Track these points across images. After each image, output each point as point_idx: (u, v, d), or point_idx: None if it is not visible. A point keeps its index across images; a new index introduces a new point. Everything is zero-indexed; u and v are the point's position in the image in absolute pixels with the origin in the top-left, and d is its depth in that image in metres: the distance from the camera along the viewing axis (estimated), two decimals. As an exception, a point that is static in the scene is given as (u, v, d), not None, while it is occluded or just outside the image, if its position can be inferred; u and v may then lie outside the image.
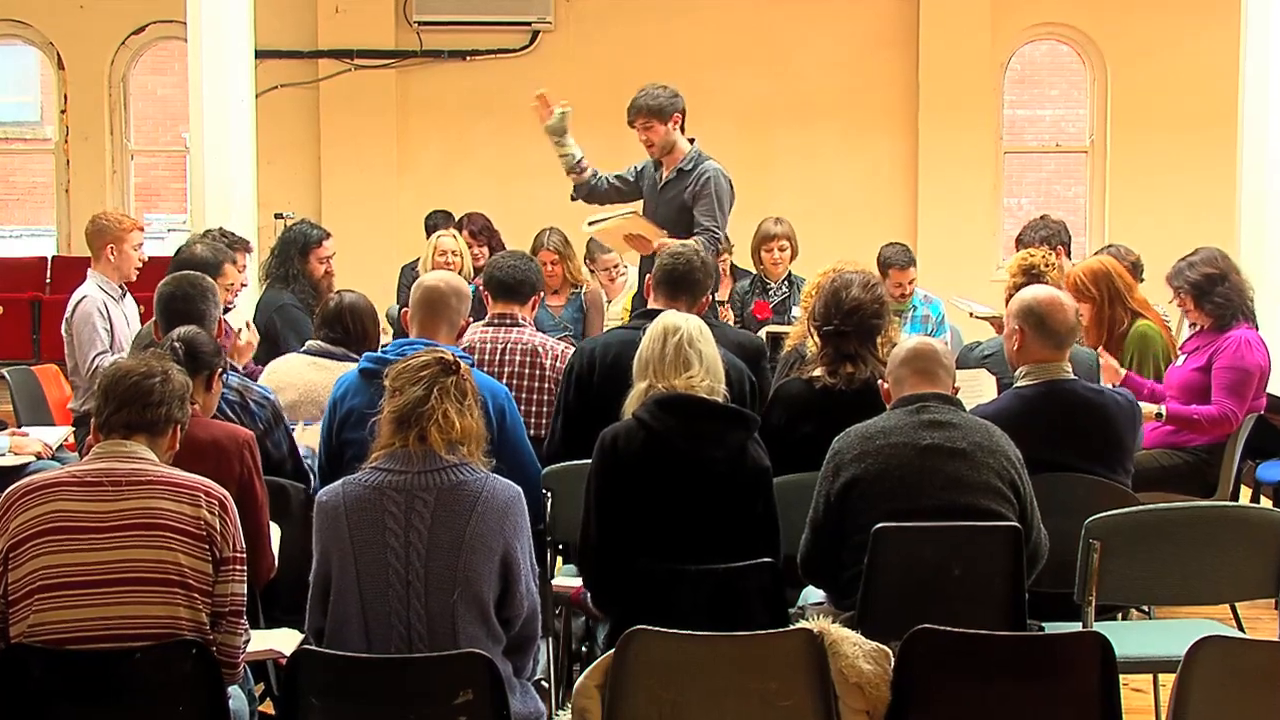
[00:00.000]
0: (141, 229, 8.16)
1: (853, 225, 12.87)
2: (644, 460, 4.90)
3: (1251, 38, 9.59)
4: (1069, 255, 9.08)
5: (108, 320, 7.68)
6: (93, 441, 4.44)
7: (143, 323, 7.87)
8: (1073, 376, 5.64)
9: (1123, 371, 7.18)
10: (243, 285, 7.95)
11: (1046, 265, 7.51)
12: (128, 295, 7.99)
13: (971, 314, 8.87)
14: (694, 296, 6.27)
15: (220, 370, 5.42)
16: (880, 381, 5.28)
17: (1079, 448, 5.46)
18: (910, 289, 9.14)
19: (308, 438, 6.19)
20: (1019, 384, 5.61)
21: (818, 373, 5.74)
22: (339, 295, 6.93)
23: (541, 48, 13.89)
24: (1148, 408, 6.79)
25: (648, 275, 6.52)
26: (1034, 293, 5.77)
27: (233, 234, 8.28)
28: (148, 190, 15.24)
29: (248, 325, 7.23)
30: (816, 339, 5.85)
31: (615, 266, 9.74)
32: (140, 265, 7.98)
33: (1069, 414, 5.50)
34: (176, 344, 5.23)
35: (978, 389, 6.44)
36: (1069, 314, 5.64)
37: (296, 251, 8.54)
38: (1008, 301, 7.10)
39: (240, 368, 6.52)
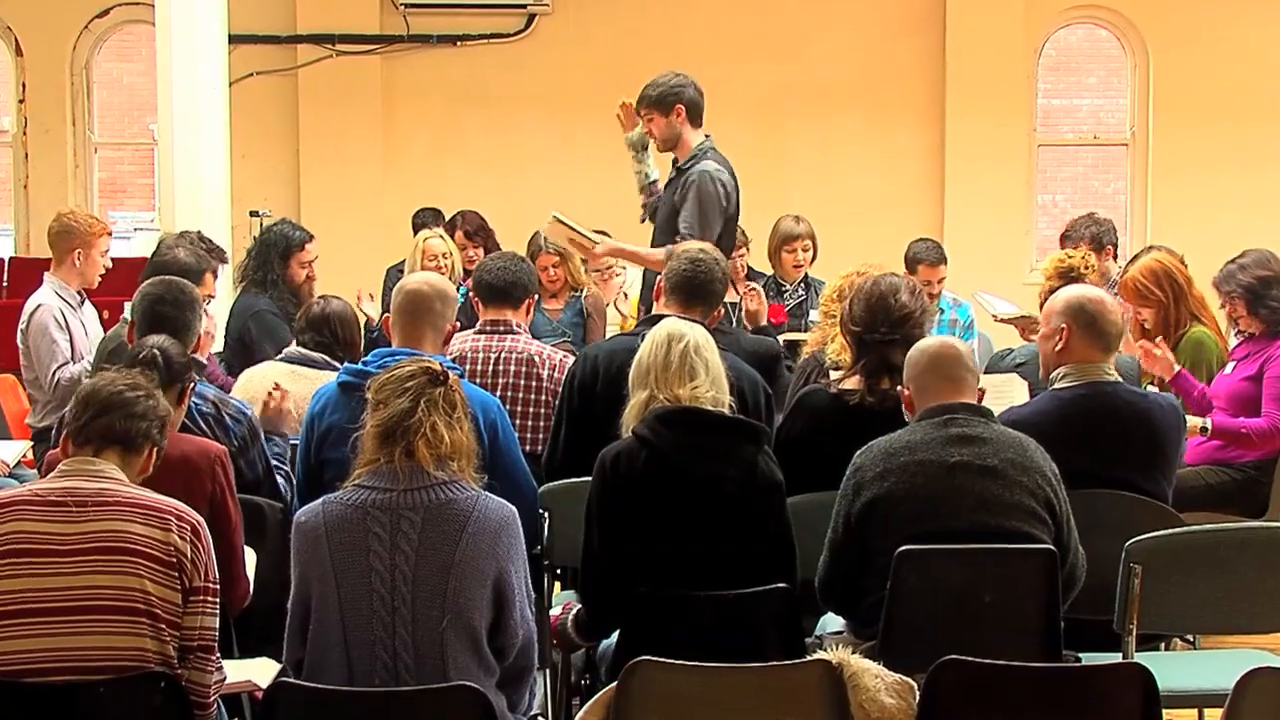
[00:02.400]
0: (111, 234, 8.16)
1: (874, 224, 12.85)
2: (647, 481, 4.91)
3: (1305, 21, 9.61)
4: (1116, 258, 9.08)
5: (66, 329, 7.67)
6: (59, 456, 4.45)
7: (105, 329, 7.88)
8: (1116, 379, 5.65)
9: (1176, 366, 7.15)
10: (210, 298, 7.94)
11: (1086, 268, 7.50)
12: (86, 302, 7.99)
13: (995, 316, 8.85)
14: (709, 306, 6.28)
15: (192, 385, 5.43)
16: (900, 388, 5.27)
17: (1120, 455, 5.47)
18: (939, 289, 9.13)
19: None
20: (1058, 385, 5.62)
21: (850, 385, 5.72)
22: (323, 300, 6.97)
23: (538, 32, 13.89)
24: (1192, 421, 6.78)
25: (659, 279, 6.52)
26: (1082, 291, 5.80)
27: (210, 240, 8.28)
28: (113, 186, 15.25)
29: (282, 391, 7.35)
30: (851, 345, 5.82)
31: (609, 267, 9.74)
32: (104, 272, 7.98)
33: (1110, 418, 5.51)
34: (155, 350, 5.24)
35: (1009, 396, 6.44)
36: (1119, 317, 5.68)
37: (277, 255, 8.54)
38: (1042, 306, 7.11)
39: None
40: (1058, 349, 5.66)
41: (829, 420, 5.69)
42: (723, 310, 6.53)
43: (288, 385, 6.57)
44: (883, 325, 5.69)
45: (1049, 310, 5.78)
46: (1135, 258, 7.96)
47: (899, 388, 5.30)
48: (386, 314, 6.15)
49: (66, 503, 4.22)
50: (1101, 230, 8.91)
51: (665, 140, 7.87)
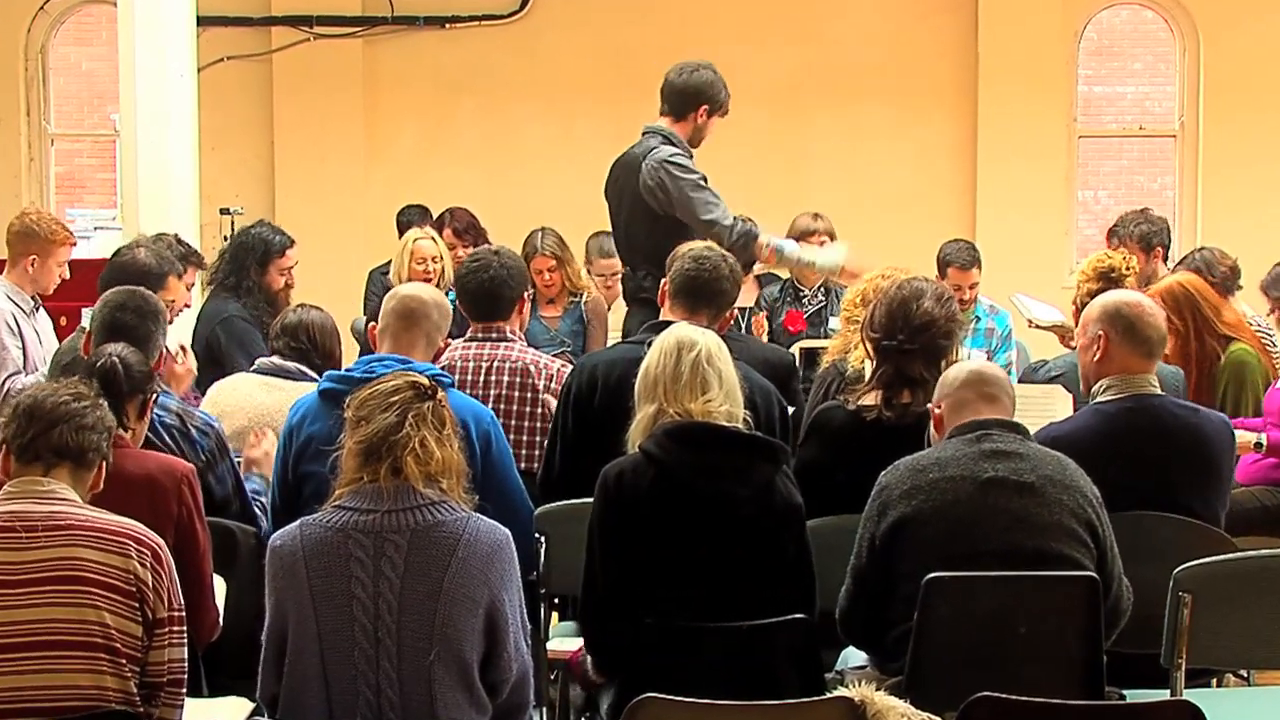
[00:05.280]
0: (74, 244, 8.19)
1: (900, 223, 12.84)
2: (654, 501, 4.92)
3: (1369, 2, 9.62)
4: (1165, 260, 9.08)
5: (18, 336, 7.70)
6: (2, 477, 4.44)
7: (60, 338, 7.89)
8: (1160, 392, 5.66)
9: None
10: (185, 306, 7.94)
11: (1127, 269, 7.51)
12: (41, 309, 8.01)
13: (1031, 322, 8.84)
14: (718, 309, 6.29)
15: (154, 397, 5.44)
16: (931, 406, 5.27)
17: (1168, 474, 5.48)
18: (972, 295, 9.13)
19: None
20: (1099, 399, 5.62)
21: (868, 400, 5.72)
22: (302, 308, 6.96)
23: (534, 13, 13.88)
24: (1245, 436, 6.79)
25: (662, 282, 6.53)
26: (1118, 296, 5.82)
27: (187, 245, 8.30)
28: (70, 181, 15.24)
29: (184, 349, 7.06)
30: (871, 354, 5.83)
31: (615, 274, 9.74)
32: (60, 283, 8.01)
33: (1157, 434, 5.52)
34: (114, 359, 5.25)
35: (1050, 407, 6.43)
36: (1160, 320, 5.69)
37: (254, 261, 8.56)
38: (1076, 311, 7.13)
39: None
40: (1097, 359, 5.66)
41: (848, 440, 5.69)
42: (734, 315, 6.53)
43: (261, 398, 6.58)
44: (901, 333, 5.70)
45: (1085, 319, 5.80)
46: (1182, 260, 7.96)
47: (929, 405, 5.30)
48: (373, 322, 6.15)
49: (15, 528, 4.23)
50: (1153, 230, 8.91)
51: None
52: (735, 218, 7.86)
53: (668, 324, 5.80)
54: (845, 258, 8.05)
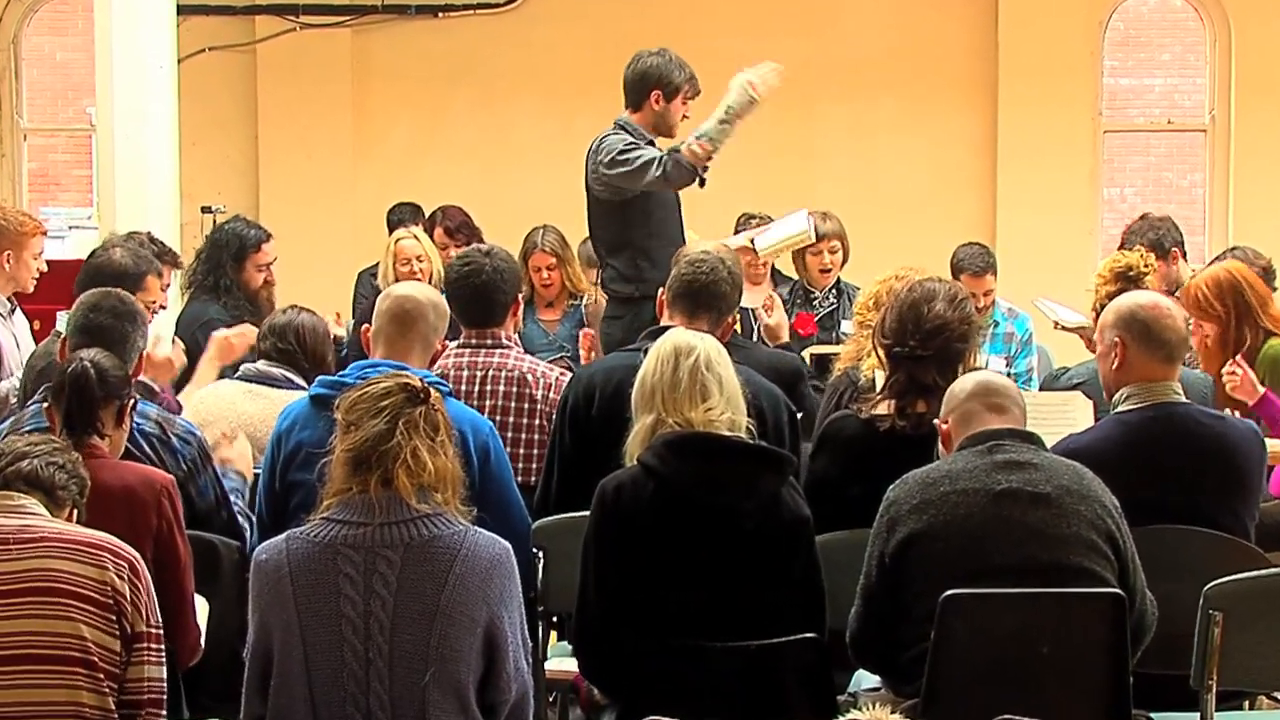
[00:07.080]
0: (45, 233, 8.20)
1: (916, 223, 12.84)
2: (654, 515, 4.92)
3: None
4: (1185, 258, 9.07)
5: (-7, 340, 7.72)
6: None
7: (36, 340, 7.90)
8: (1185, 400, 5.66)
9: (1261, 389, 7.12)
10: (161, 307, 7.95)
11: (1146, 267, 7.50)
12: (18, 310, 8.02)
13: (1056, 324, 8.85)
14: (719, 314, 6.30)
15: (132, 404, 5.45)
16: (938, 422, 5.27)
17: (1194, 486, 5.48)
18: (987, 302, 9.11)
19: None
20: (1121, 408, 5.62)
21: (881, 410, 5.72)
22: (293, 309, 6.98)
23: (530, 3, 13.89)
24: (1276, 446, 6.78)
25: (660, 290, 6.55)
26: (1133, 298, 5.81)
27: (162, 243, 8.30)
28: (44, 178, 15.25)
29: (160, 338, 7.07)
30: (883, 361, 5.83)
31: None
32: (38, 276, 8.02)
33: (1183, 445, 5.52)
34: (86, 364, 5.26)
35: (1070, 416, 6.42)
36: (1179, 320, 5.69)
37: (230, 257, 8.57)
38: (1097, 315, 7.13)
39: (158, 389, 6.54)
40: (1115, 367, 5.66)
41: (861, 452, 5.69)
42: (736, 319, 6.54)
43: (244, 406, 6.59)
44: (913, 338, 5.70)
45: (1100, 326, 5.80)
46: (1213, 260, 7.94)
47: (936, 421, 5.30)
48: (366, 324, 6.15)
49: (-14, 541, 4.24)
50: (1160, 234, 8.89)
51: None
52: (661, 153, 8.01)
53: (667, 329, 5.80)
54: (745, 79, 8.10)
